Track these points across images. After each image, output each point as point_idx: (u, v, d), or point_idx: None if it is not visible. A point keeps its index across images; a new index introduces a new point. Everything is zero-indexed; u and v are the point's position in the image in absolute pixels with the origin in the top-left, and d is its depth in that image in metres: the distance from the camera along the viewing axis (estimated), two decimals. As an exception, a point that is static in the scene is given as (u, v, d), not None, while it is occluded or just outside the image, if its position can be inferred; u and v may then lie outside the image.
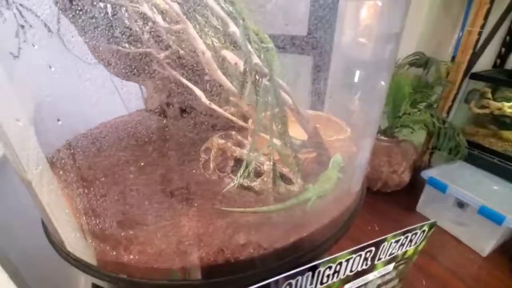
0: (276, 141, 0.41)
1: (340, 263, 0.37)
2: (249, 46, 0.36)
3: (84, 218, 0.43)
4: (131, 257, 0.37)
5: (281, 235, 0.41)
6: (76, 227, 0.41)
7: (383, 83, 0.69)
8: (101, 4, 0.45)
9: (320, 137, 0.51)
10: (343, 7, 0.73)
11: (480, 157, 1.48)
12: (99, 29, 0.47)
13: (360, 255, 0.39)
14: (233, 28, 0.37)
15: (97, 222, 0.42)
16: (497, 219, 1.20)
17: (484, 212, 1.24)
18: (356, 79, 0.72)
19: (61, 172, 0.44)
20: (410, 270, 0.48)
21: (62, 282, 0.72)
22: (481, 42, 1.40)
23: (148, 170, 0.55)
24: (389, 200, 1.63)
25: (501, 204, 1.25)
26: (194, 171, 0.58)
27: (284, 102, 0.39)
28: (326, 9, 0.75)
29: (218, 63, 0.45)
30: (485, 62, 1.60)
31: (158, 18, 0.40)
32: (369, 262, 0.41)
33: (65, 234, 0.42)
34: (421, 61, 1.36)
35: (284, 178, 0.49)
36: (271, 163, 0.43)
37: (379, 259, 0.41)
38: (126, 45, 0.48)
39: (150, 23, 0.48)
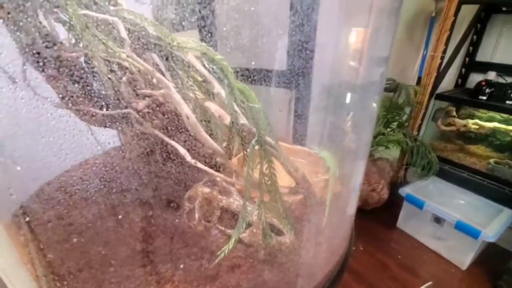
0: (265, 196, 0.40)
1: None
2: (236, 107, 0.35)
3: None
4: None
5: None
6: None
7: (374, 105, 0.69)
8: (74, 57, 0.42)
9: (308, 182, 0.51)
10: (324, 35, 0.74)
11: (451, 172, 1.56)
12: (71, 84, 0.44)
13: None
14: (217, 89, 0.36)
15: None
16: (473, 234, 1.25)
17: (461, 227, 1.29)
18: (347, 106, 0.72)
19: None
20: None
21: None
22: (443, 65, 1.51)
23: (127, 225, 0.51)
24: (370, 218, 1.66)
25: (475, 218, 1.31)
26: (177, 221, 0.55)
27: (273, 157, 0.38)
28: (304, 42, 0.77)
29: (201, 115, 0.44)
30: (448, 82, 1.73)
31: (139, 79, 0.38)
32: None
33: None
34: (392, 86, 1.44)
35: (274, 228, 0.47)
36: (263, 218, 0.41)
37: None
38: (102, 96, 0.45)
39: (128, 74, 0.46)
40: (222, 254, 0.36)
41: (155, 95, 0.38)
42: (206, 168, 0.39)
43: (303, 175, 0.48)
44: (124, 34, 0.31)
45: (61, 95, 0.43)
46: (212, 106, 0.43)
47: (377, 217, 1.66)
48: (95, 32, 0.30)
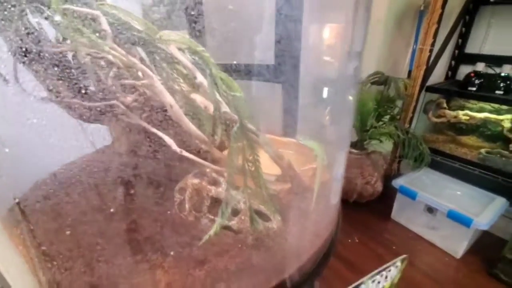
0: (250, 183, 0.41)
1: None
2: (218, 95, 0.37)
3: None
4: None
5: (263, 280, 0.40)
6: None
7: (350, 98, 0.72)
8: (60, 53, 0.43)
9: (294, 170, 0.52)
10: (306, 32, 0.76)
11: (443, 163, 1.59)
12: (59, 78, 0.45)
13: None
14: (200, 78, 0.37)
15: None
16: (465, 222, 1.27)
17: (453, 216, 1.31)
18: (327, 99, 0.74)
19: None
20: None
21: None
22: (432, 57, 1.53)
23: (119, 217, 0.52)
24: (365, 211, 1.68)
25: (467, 207, 1.34)
26: (169, 212, 0.56)
27: (256, 144, 0.40)
28: (290, 36, 0.79)
29: (188, 106, 0.45)
30: (438, 75, 1.75)
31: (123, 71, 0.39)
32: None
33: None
34: (381, 79, 1.46)
35: (261, 215, 0.49)
36: (248, 204, 0.43)
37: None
38: (89, 91, 0.47)
39: (114, 69, 0.47)
40: (207, 236, 0.37)
41: (138, 85, 0.39)
42: (192, 156, 0.41)
43: (288, 163, 0.50)
44: (105, 26, 0.33)
45: (48, 89, 0.44)
46: (198, 98, 0.45)
47: (372, 209, 1.69)
48: (77, 26, 0.32)
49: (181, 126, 0.39)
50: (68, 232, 0.48)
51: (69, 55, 0.48)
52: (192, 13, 0.58)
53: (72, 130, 0.55)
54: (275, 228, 0.47)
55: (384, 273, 0.40)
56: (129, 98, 0.49)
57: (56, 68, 0.42)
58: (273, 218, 0.47)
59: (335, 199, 0.61)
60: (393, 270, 0.40)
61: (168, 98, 0.37)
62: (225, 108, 0.37)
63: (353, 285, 0.38)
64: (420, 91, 1.56)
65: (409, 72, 1.74)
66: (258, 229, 0.46)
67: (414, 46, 1.79)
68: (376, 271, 0.40)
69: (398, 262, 0.41)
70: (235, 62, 0.52)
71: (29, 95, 0.48)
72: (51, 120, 0.51)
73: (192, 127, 0.39)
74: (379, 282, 0.39)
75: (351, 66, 0.63)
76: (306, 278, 0.46)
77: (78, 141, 0.55)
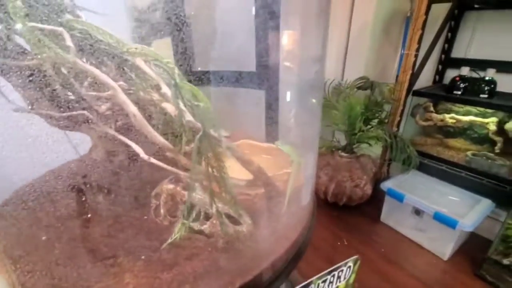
0: (216, 187, 0.43)
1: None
2: (182, 105, 0.38)
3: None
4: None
5: (228, 281, 0.42)
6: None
7: (314, 100, 0.75)
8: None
9: (266, 175, 0.54)
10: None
11: (430, 165, 1.61)
12: (34, 88, 0.47)
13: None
14: (164, 89, 0.39)
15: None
16: (450, 224, 1.29)
17: (439, 218, 1.33)
18: (301, 103, 0.77)
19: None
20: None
21: None
22: (418, 62, 1.56)
23: (95, 222, 0.54)
24: (355, 213, 1.70)
25: (454, 209, 1.36)
26: (145, 217, 0.58)
27: (219, 150, 0.41)
28: (269, 43, 0.82)
29: (158, 115, 0.47)
30: (426, 79, 1.78)
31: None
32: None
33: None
34: (367, 85, 1.48)
35: (233, 219, 0.50)
36: (215, 208, 0.44)
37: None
38: (64, 100, 0.48)
39: (89, 79, 0.49)
40: (170, 240, 0.39)
41: (102, 96, 0.41)
42: (160, 163, 0.42)
43: (258, 168, 0.52)
44: (69, 42, 0.35)
45: (25, 99, 0.46)
46: (169, 107, 0.47)
47: (362, 212, 1.70)
48: (45, 41, 0.34)
49: (145, 134, 0.40)
50: (44, 238, 0.49)
51: (46, 67, 0.50)
52: (176, 23, 0.60)
53: (58, 139, 0.56)
54: (245, 231, 0.48)
55: (335, 273, 0.42)
56: (103, 107, 0.50)
57: (31, 80, 0.44)
58: (242, 221, 0.49)
59: (306, 200, 0.62)
60: (346, 270, 0.41)
61: (131, 108, 0.39)
62: (188, 117, 0.39)
63: (301, 284, 0.40)
64: (407, 95, 1.58)
65: (397, 77, 1.77)
66: (229, 233, 0.48)
67: (402, 52, 1.82)
68: (326, 271, 0.42)
69: (350, 262, 0.43)
70: (205, 69, 0.54)
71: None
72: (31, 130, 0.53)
73: (156, 135, 0.41)
74: (331, 282, 0.40)
75: (314, 70, 0.65)
76: (278, 275, 0.48)
77: (60, 150, 0.56)
